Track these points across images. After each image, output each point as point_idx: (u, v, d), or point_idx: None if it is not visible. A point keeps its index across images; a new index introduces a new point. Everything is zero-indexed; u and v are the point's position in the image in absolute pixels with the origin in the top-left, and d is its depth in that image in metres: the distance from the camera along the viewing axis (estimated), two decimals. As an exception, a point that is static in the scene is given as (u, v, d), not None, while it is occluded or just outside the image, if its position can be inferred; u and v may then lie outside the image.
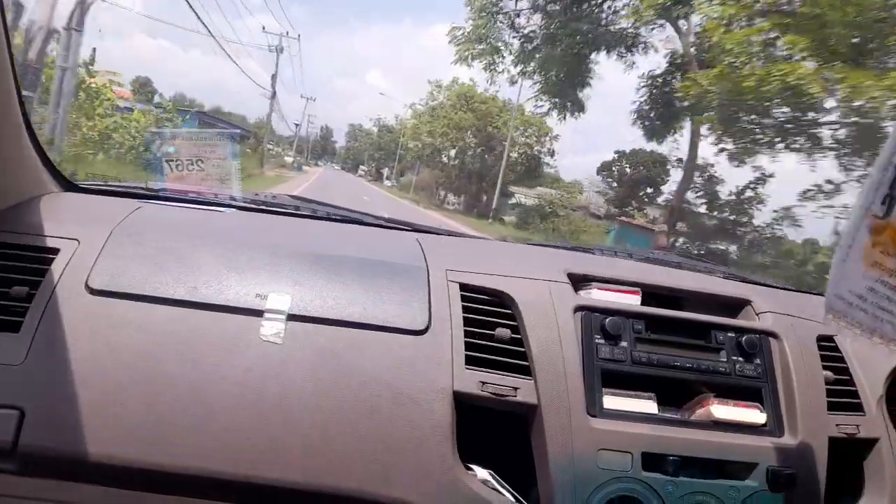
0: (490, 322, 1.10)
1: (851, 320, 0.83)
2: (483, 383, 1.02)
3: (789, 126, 11.53)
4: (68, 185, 1.36)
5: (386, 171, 72.06)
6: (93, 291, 1.01)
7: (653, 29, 15.93)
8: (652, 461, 1.01)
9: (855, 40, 9.40)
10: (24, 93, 1.19)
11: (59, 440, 0.92)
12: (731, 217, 17.60)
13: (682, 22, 15.04)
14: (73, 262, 1.04)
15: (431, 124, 36.17)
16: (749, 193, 17.15)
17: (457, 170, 36.87)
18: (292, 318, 1.03)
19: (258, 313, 1.03)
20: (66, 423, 0.92)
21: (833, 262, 0.84)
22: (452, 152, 36.10)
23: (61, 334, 0.97)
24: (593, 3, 17.01)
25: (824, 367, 1.18)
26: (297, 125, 70.45)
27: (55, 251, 1.06)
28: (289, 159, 53.38)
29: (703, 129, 14.65)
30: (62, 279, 1.02)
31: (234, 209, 1.44)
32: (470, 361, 1.04)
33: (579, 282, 1.21)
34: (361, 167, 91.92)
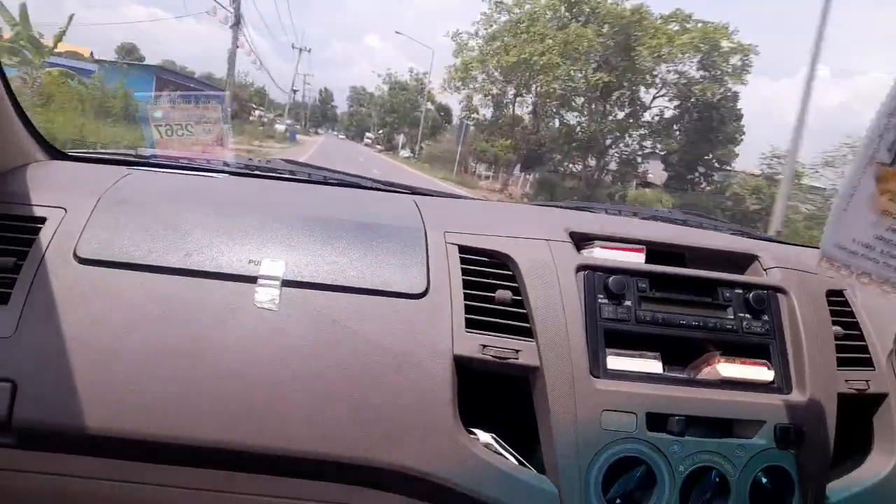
0: (490, 284, 1.07)
1: (856, 269, 0.82)
2: (484, 346, 1.00)
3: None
4: (55, 154, 1.33)
5: (401, 139, 60.93)
6: (81, 261, 0.98)
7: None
8: (657, 421, 0.99)
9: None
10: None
11: (55, 412, 0.91)
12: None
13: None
14: (60, 231, 1.01)
15: (506, 51, 21.14)
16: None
17: (559, 131, 22.95)
18: (287, 283, 1.01)
19: (252, 279, 1.00)
20: (61, 395, 0.91)
21: (832, 210, 0.82)
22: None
23: (51, 305, 0.95)
24: None
25: (833, 323, 1.15)
26: (293, 91, 62.70)
27: (42, 220, 1.03)
28: (280, 128, 44.37)
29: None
30: (50, 249, 0.99)
31: (226, 175, 1.41)
32: (470, 324, 1.02)
33: (581, 240, 1.17)
34: (367, 134, 79.43)
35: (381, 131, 70.82)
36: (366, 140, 77.45)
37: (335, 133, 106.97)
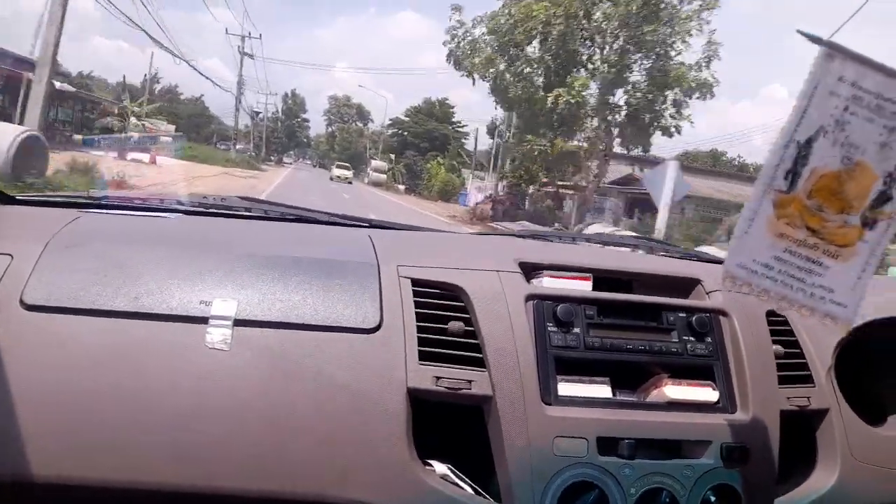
0: (443, 316, 1.09)
1: (756, 287, 0.88)
2: (437, 378, 1.02)
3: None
4: (2, 198, 1.31)
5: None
6: (28, 307, 0.97)
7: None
8: (608, 445, 1.02)
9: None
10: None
11: (2, 463, 0.89)
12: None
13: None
14: (6, 279, 1.00)
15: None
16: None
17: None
18: (239, 322, 1.01)
19: (203, 320, 1.00)
20: (8, 446, 0.89)
21: (734, 233, 0.89)
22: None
23: None
24: None
25: (774, 342, 1.20)
26: (238, 107, 45.53)
27: None
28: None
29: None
30: None
31: (180, 214, 1.41)
32: (424, 357, 1.03)
33: (530, 270, 1.20)
34: (376, 163, 51.52)
35: (395, 162, 48.97)
36: (373, 173, 49.99)
37: (307, 161, 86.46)
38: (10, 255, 1.03)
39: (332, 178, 42.48)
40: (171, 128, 33.53)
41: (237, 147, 46.54)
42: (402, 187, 46.23)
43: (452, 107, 53.93)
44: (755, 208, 0.86)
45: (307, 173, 48.71)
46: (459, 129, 50.96)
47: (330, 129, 76.87)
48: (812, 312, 0.90)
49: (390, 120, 55.41)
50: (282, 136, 73.80)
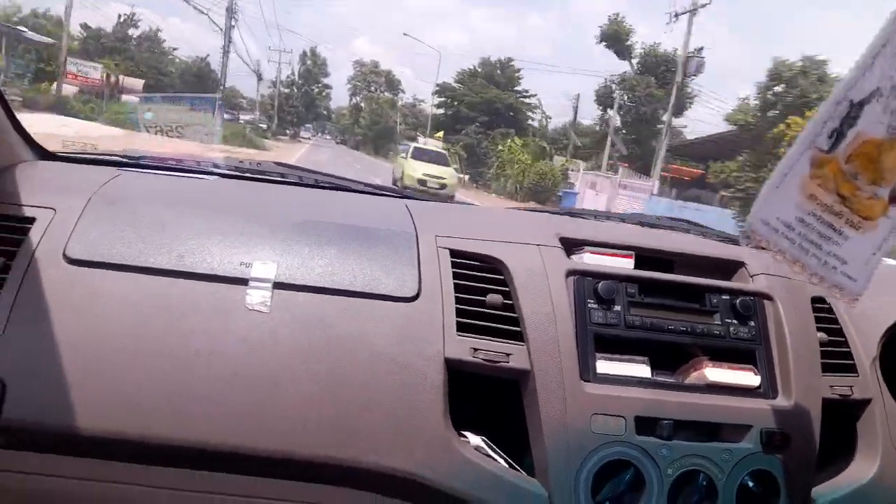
0: (481, 288, 1.08)
1: (773, 245, 0.86)
2: (475, 350, 1.01)
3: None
4: (44, 154, 1.32)
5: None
6: (71, 261, 0.98)
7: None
8: (646, 425, 1.00)
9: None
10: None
11: (43, 413, 0.90)
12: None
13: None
14: (49, 232, 1.01)
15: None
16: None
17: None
18: (279, 286, 1.01)
19: (244, 282, 1.00)
20: (50, 396, 0.90)
21: (765, 185, 0.86)
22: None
23: (41, 305, 0.94)
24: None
25: (818, 329, 1.17)
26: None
27: (31, 220, 1.02)
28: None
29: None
30: (39, 249, 0.98)
31: (216, 176, 1.41)
32: (461, 328, 1.02)
33: (572, 246, 1.18)
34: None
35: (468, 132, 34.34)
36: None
37: (326, 136, 77.37)
38: (53, 208, 1.04)
39: (407, 179, 17.27)
40: (138, 84, 27.44)
41: (244, 118, 40.85)
42: (464, 176, 29.44)
43: (518, 70, 38.94)
44: (791, 163, 0.84)
45: (329, 153, 37.11)
46: (525, 99, 38.26)
47: (354, 101, 64.31)
48: (821, 281, 0.88)
49: (437, 86, 40.32)
50: (298, 104, 57.51)
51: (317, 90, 62.71)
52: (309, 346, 0.97)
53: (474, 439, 1.02)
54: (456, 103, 38.63)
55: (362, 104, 61.75)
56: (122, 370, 0.92)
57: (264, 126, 42.89)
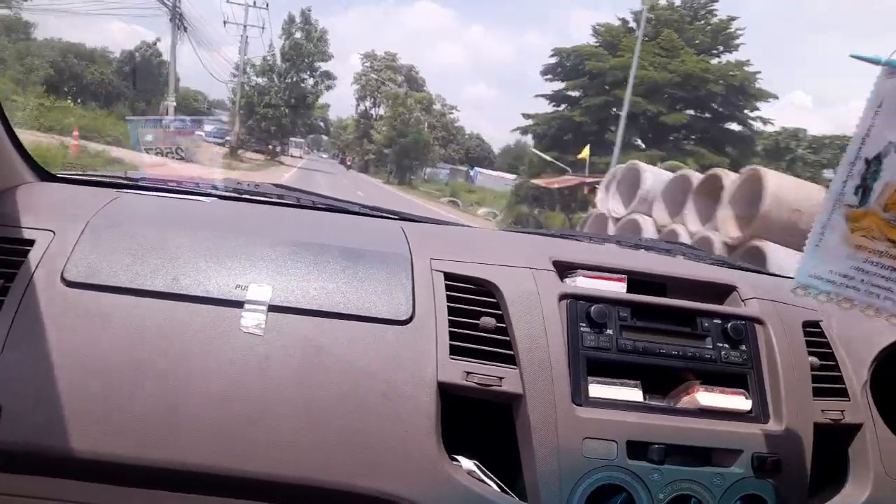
0: (475, 311, 1.09)
1: (836, 296, 0.92)
2: (468, 373, 1.01)
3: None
4: (44, 176, 1.33)
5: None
6: (69, 283, 0.99)
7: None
8: (637, 449, 1.01)
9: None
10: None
11: (38, 435, 0.90)
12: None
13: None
14: (48, 254, 1.02)
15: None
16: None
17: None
18: (274, 308, 1.02)
19: (239, 304, 1.01)
20: (45, 418, 0.91)
21: (806, 247, 0.92)
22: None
23: (38, 327, 0.95)
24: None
25: (810, 353, 1.18)
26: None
27: (30, 243, 1.03)
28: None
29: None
30: (37, 271, 0.99)
31: (215, 198, 1.42)
32: (454, 351, 1.03)
33: (564, 269, 1.20)
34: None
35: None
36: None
37: (322, 154, 64.56)
38: (52, 231, 1.05)
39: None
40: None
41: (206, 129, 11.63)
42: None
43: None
44: (825, 222, 0.89)
45: (331, 183, 23.68)
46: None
47: (363, 107, 45.45)
48: None
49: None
50: (281, 103, 36.05)
51: (312, 81, 38.29)
52: (302, 369, 0.98)
53: (466, 463, 1.02)
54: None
55: (378, 107, 44.11)
56: (116, 392, 0.93)
57: (221, 142, 23.35)
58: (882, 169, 0.84)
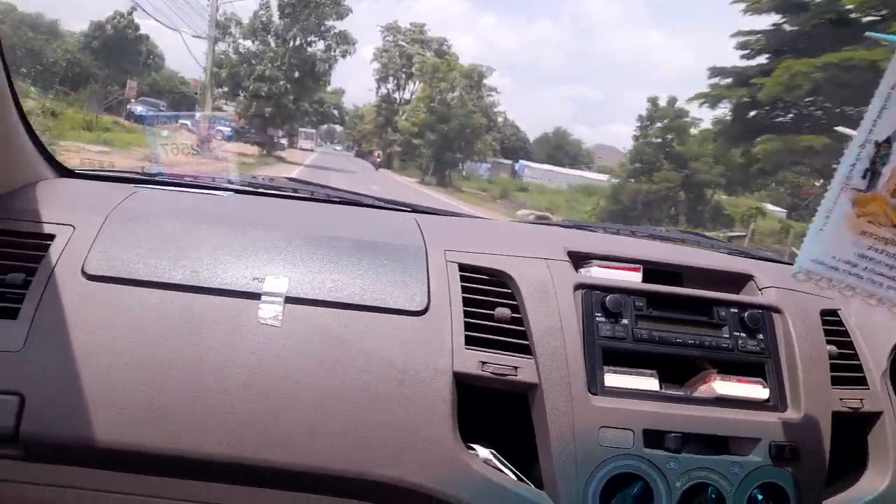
0: (490, 302, 1.09)
1: (838, 283, 0.89)
2: (483, 363, 1.02)
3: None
4: (63, 171, 1.35)
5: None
6: (89, 277, 1.01)
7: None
8: (654, 438, 1.01)
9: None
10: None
11: (61, 425, 0.92)
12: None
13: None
14: (68, 248, 1.03)
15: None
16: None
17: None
18: (290, 300, 1.03)
19: (256, 296, 1.02)
20: (68, 409, 0.92)
21: (809, 230, 0.89)
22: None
23: (59, 320, 0.96)
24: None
25: (828, 342, 1.17)
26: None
27: (51, 237, 1.05)
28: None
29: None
30: (58, 265, 1.01)
31: (230, 192, 1.44)
32: (470, 341, 1.04)
33: (579, 259, 1.20)
34: None
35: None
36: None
37: (335, 146, 56.88)
38: (72, 225, 1.07)
39: None
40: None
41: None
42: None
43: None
44: (830, 206, 0.87)
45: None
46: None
47: (384, 90, 37.92)
48: None
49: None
50: (280, 77, 25.98)
51: (322, 45, 27.79)
52: (319, 359, 0.99)
53: (483, 452, 1.03)
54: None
55: (403, 90, 35.30)
56: (136, 383, 0.94)
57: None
58: (892, 152, 0.82)
